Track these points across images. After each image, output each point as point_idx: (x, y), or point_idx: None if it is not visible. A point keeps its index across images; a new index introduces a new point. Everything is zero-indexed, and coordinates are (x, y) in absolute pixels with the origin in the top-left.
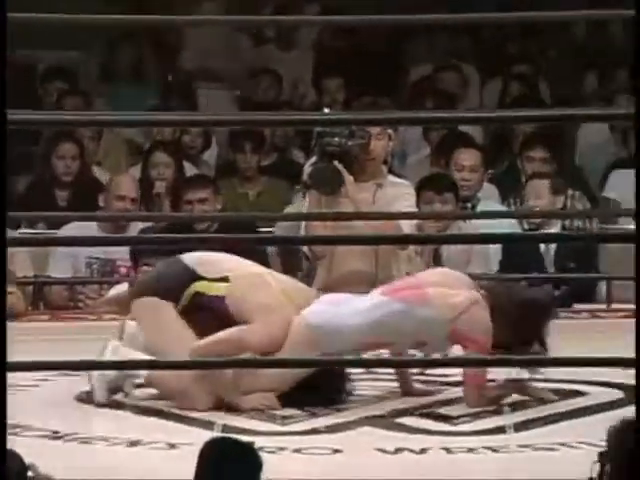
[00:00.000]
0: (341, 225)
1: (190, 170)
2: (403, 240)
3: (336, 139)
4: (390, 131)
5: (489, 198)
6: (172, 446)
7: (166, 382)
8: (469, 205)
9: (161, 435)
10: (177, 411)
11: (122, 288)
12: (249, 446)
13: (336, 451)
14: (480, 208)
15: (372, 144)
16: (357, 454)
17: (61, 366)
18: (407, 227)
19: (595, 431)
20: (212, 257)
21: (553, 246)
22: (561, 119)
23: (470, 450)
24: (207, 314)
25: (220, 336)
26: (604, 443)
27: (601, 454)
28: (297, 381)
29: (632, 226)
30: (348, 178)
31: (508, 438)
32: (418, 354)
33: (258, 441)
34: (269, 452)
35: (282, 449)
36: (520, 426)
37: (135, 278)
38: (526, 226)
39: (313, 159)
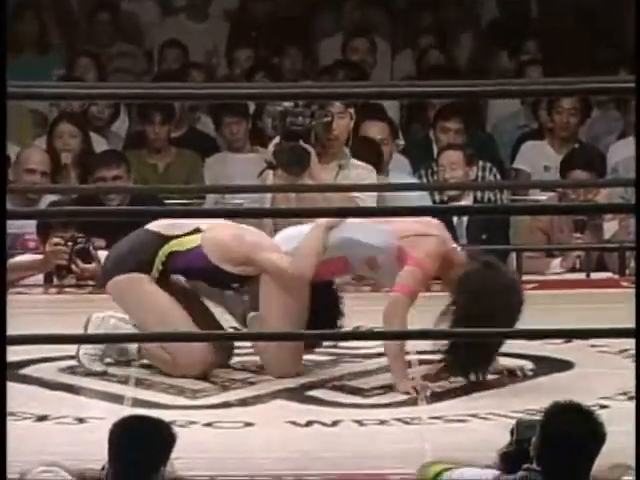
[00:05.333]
0: (305, 202)
1: (98, 142)
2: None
3: (300, 118)
4: (351, 110)
5: (400, 170)
6: (81, 420)
7: (155, 351)
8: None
9: (70, 410)
10: (86, 385)
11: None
12: (159, 421)
13: (248, 424)
14: (390, 180)
15: (335, 123)
16: (269, 427)
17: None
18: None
19: (505, 402)
20: (177, 220)
21: (465, 218)
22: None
23: (382, 422)
24: (184, 272)
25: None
26: (514, 414)
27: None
28: None
29: (543, 197)
30: (313, 159)
31: (419, 410)
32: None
33: (169, 415)
34: (180, 426)
35: (193, 423)
36: (431, 398)
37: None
38: (437, 198)
39: (277, 139)
